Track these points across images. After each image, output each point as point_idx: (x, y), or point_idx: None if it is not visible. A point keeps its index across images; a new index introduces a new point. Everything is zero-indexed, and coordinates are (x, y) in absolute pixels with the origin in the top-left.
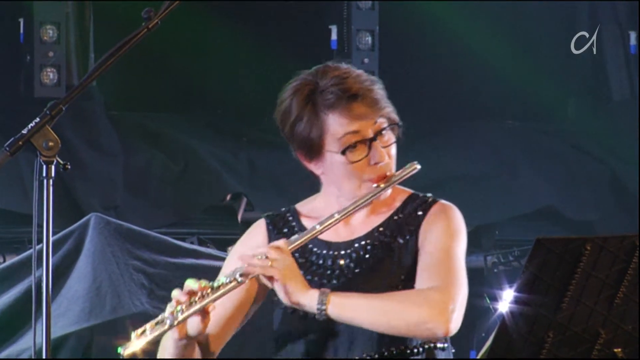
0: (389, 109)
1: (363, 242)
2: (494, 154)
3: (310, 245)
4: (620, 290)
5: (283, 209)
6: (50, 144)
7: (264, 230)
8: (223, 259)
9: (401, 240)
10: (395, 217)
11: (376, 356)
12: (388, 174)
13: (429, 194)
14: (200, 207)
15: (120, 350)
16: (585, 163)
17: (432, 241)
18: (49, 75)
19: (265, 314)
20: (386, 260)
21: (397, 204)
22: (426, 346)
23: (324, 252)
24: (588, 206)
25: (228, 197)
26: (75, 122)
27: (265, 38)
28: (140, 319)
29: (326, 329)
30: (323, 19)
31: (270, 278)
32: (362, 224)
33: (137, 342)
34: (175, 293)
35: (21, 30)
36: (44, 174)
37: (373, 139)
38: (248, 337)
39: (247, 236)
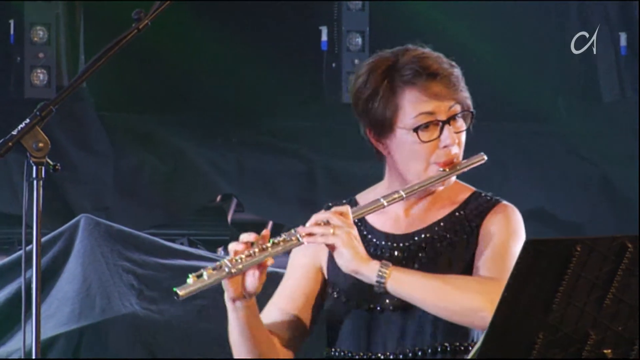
0: (465, 95)
1: (423, 236)
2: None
3: (369, 236)
4: (610, 291)
5: (344, 200)
6: (40, 145)
7: None
8: (214, 260)
9: (462, 237)
10: (457, 214)
11: (429, 350)
12: (455, 160)
13: (491, 194)
14: (190, 208)
15: (175, 289)
16: (575, 164)
17: (491, 237)
18: (39, 76)
19: None
20: (444, 256)
21: (460, 200)
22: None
23: (382, 242)
24: (578, 207)
25: (218, 198)
26: (66, 123)
27: (255, 39)
28: (130, 320)
29: (376, 320)
30: (313, 20)
31: (332, 246)
32: (422, 217)
33: (193, 284)
34: (233, 244)
35: (11, 31)
36: (34, 175)
37: (446, 122)
38: None
39: None
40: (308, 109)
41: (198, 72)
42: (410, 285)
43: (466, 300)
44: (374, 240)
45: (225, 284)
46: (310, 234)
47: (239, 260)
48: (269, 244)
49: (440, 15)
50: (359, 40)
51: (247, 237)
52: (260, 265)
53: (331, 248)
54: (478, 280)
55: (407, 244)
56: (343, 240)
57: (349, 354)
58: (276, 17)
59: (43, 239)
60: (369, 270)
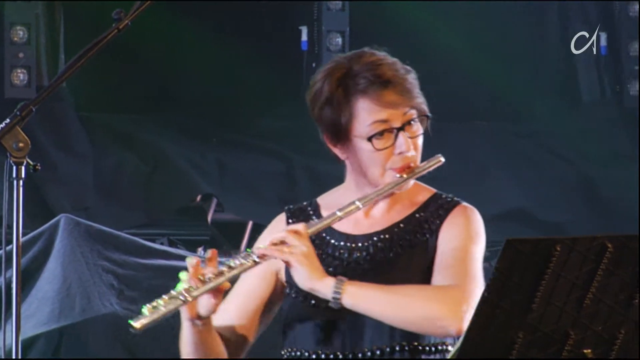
0: (420, 100)
1: (382, 237)
2: (463, 156)
3: (328, 237)
4: (590, 291)
5: (305, 202)
6: (21, 145)
7: (284, 224)
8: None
9: (420, 238)
10: (417, 215)
11: (387, 349)
12: (412, 165)
13: (452, 195)
14: (170, 208)
15: (131, 322)
16: (554, 164)
17: (450, 241)
18: (19, 76)
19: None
20: (403, 257)
21: (420, 201)
22: (439, 347)
23: (341, 243)
24: (558, 207)
25: (198, 198)
26: (46, 123)
27: (235, 39)
28: (110, 320)
29: (335, 319)
30: (293, 20)
31: (287, 263)
32: (382, 218)
33: (149, 316)
34: (184, 273)
35: None
36: (14, 175)
37: (401, 129)
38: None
39: (268, 230)
40: (288, 108)
41: (178, 72)
42: (366, 300)
43: (424, 310)
44: (332, 241)
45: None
46: (265, 254)
47: (194, 288)
48: (224, 269)
49: (421, 15)
50: (339, 40)
51: (191, 261)
52: (217, 290)
53: (288, 265)
54: (436, 288)
55: (366, 244)
56: (298, 259)
57: (306, 354)
58: (256, 17)
59: (23, 239)
60: (324, 287)
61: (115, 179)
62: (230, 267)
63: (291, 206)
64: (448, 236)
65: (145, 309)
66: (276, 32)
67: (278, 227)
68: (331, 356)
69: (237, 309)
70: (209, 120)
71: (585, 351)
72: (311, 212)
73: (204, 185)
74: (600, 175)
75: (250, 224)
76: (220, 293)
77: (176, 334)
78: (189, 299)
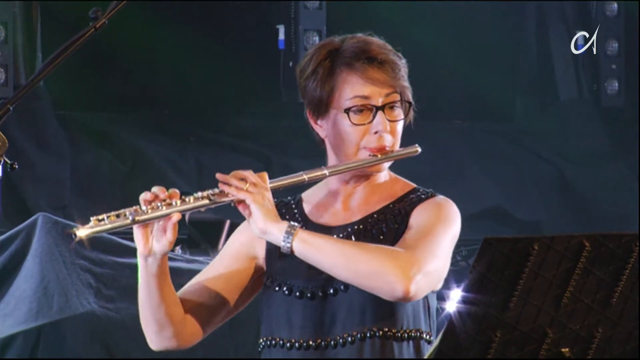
0: (406, 85)
1: (356, 227)
2: (441, 154)
3: (303, 227)
4: (568, 289)
5: (289, 197)
6: None
7: None
8: (171, 258)
9: (392, 227)
10: (392, 206)
11: (358, 336)
12: (388, 148)
13: (431, 190)
14: None
15: (74, 230)
16: (532, 163)
17: (417, 221)
18: None
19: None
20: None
21: (398, 194)
22: (412, 334)
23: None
24: (535, 206)
25: None
26: (23, 122)
27: (212, 38)
28: (88, 318)
29: (308, 308)
30: (270, 19)
31: (242, 202)
32: (360, 209)
33: (93, 227)
34: (142, 194)
35: None
36: None
37: (380, 108)
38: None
39: (245, 226)
40: (266, 107)
41: (156, 71)
42: (316, 246)
43: (372, 264)
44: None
45: (136, 237)
46: (225, 184)
47: (144, 211)
48: (178, 200)
49: (398, 14)
50: (317, 39)
51: (156, 189)
52: (167, 220)
53: (242, 205)
54: (391, 248)
55: (341, 235)
56: (255, 198)
57: (280, 342)
58: (233, 16)
59: (0, 238)
60: (276, 230)
61: (93, 177)
62: (183, 200)
63: (275, 200)
64: (416, 218)
65: (92, 221)
66: (253, 31)
67: None
68: (305, 344)
69: (203, 285)
70: (187, 120)
71: (563, 350)
72: (294, 206)
73: (182, 184)
74: (578, 174)
75: (227, 222)
76: (173, 229)
77: None
78: (137, 218)
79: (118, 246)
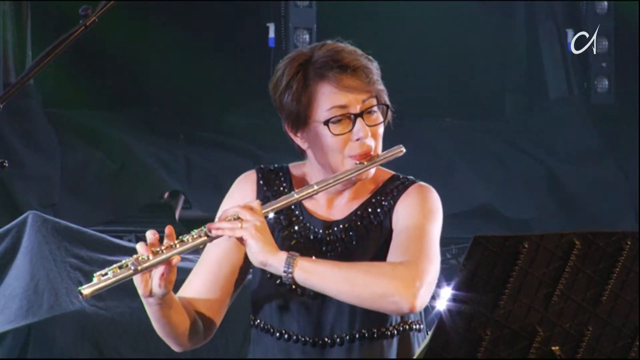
0: (381, 88)
1: (341, 226)
2: (430, 152)
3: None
4: (558, 288)
5: (276, 165)
6: None
7: (253, 184)
8: None
9: (375, 222)
10: (373, 200)
11: (347, 337)
12: (372, 153)
13: (411, 177)
14: (137, 205)
15: (80, 288)
16: (521, 161)
17: (404, 219)
18: None
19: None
20: (360, 244)
21: (377, 186)
22: (401, 328)
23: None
24: (525, 204)
25: (166, 195)
26: (13, 120)
27: (202, 36)
28: (78, 317)
29: (296, 302)
30: (261, 17)
31: (240, 239)
32: (343, 207)
33: (98, 283)
34: (140, 243)
35: None
36: None
37: (359, 115)
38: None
39: (235, 188)
40: (256, 106)
41: (146, 69)
42: (317, 274)
43: (376, 286)
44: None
45: (136, 282)
46: (218, 229)
47: (145, 259)
48: (176, 242)
49: (388, 12)
50: (307, 37)
51: (150, 235)
52: (168, 264)
53: (240, 241)
54: (390, 265)
55: (326, 232)
56: (250, 233)
57: (271, 330)
58: (224, 14)
59: None
60: (276, 261)
61: (82, 175)
62: (182, 242)
63: (262, 166)
64: (402, 215)
65: (95, 278)
66: (243, 29)
67: (246, 187)
68: (294, 337)
69: (205, 278)
70: (176, 118)
71: (553, 348)
72: (282, 178)
73: (172, 182)
74: (567, 172)
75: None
76: (173, 270)
77: (142, 332)
78: (139, 268)
79: (108, 244)
